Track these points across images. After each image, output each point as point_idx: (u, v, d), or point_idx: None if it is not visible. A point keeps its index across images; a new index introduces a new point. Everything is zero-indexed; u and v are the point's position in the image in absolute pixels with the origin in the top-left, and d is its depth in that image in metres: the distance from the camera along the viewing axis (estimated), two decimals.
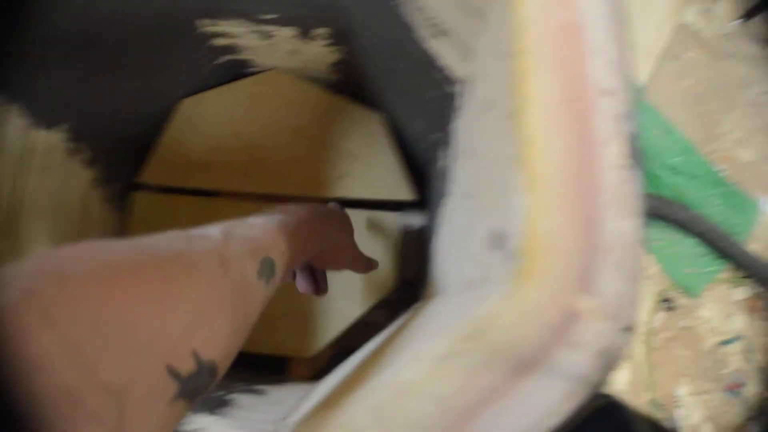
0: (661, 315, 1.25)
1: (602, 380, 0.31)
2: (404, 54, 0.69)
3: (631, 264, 0.33)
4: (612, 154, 0.34)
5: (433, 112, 0.74)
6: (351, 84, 1.00)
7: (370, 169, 0.91)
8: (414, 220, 0.97)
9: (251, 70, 0.99)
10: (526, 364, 0.31)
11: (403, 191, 0.90)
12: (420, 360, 0.33)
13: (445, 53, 0.59)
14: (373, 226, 0.90)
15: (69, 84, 0.74)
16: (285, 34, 0.86)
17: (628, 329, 0.32)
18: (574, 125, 0.35)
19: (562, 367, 0.31)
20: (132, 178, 0.95)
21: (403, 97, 0.81)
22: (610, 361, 0.32)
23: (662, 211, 1.24)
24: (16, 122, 0.67)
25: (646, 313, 1.29)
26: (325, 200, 0.91)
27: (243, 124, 0.94)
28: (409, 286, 0.99)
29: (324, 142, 0.92)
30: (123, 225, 0.92)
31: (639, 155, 0.34)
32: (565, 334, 0.32)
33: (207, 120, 0.94)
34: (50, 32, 0.68)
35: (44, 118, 0.71)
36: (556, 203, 0.33)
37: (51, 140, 0.73)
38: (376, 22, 0.69)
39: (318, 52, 0.90)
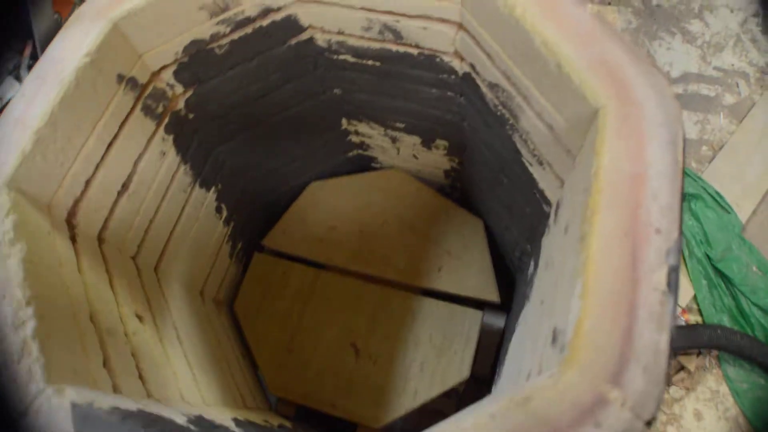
0: None
1: None
2: (510, 172, 0.81)
3: (658, 369, 0.41)
4: (655, 280, 0.43)
5: (528, 226, 0.84)
6: (458, 190, 1.13)
7: (464, 268, 1.02)
8: (495, 321, 1.06)
9: (375, 165, 1.16)
10: None
11: (490, 292, 0.99)
12: (477, 413, 0.42)
13: (544, 179, 0.70)
14: (458, 319, 0.99)
15: (227, 154, 0.92)
16: (409, 141, 1.01)
17: (648, 423, 0.40)
18: (628, 252, 0.44)
19: None
20: (257, 240, 1.12)
21: (504, 208, 0.92)
22: None
23: (748, 352, 1.23)
24: (183, 179, 0.85)
25: None
26: (421, 290, 1.03)
27: (360, 210, 1.08)
28: (479, 383, 1.06)
29: (428, 238, 1.05)
30: (242, 278, 1.08)
31: (676, 284, 0.43)
32: (593, 415, 0.40)
33: (330, 202, 1.10)
34: (223, 113, 0.87)
35: (203, 178, 0.89)
36: (603, 310, 0.43)
37: (204, 197, 0.90)
38: (491, 143, 0.82)
39: (435, 159, 1.04)
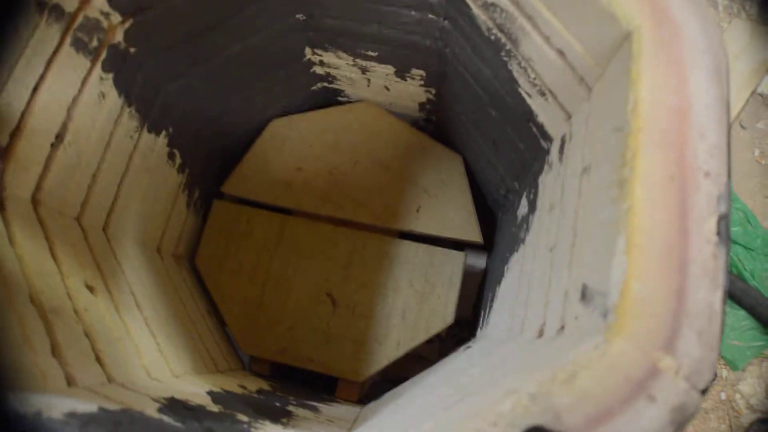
0: None
1: None
2: (500, 104, 0.73)
3: (713, 333, 0.35)
4: (706, 230, 0.37)
5: (519, 162, 0.77)
6: (434, 123, 1.05)
7: (444, 207, 0.95)
8: (476, 262, 1.01)
9: (342, 99, 1.05)
10: (607, 413, 0.34)
11: (472, 233, 0.93)
12: (514, 394, 0.36)
13: (544, 111, 0.63)
14: (439, 262, 0.93)
15: (177, 93, 0.81)
16: (382, 71, 0.91)
17: (703, 392, 0.35)
18: (675, 201, 0.38)
19: (638, 419, 0.34)
20: (215, 187, 1.02)
21: (488, 143, 0.85)
22: (682, 418, 0.34)
23: (738, 296, 1.24)
24: (128, 123, 0.73)
25: None
26: (398, 232, 0.96)
27: (328, 149, 0.99)
28: (460, 325, 1.02)
29: (403, 176, 0.97)
30: (201, 229, 0.99)
31: (728, 234, 0.37)
32: (646, 388, 0.34)
33: (294, 141, 1.00)
34: (171, 44, 0.75)
35: (152, 122, 0.78)
36: (652, 270, 0.36)
37: (153, 142, 0.80)
38: (478, 72, 0.74)
39: (409, 91, 0.95)
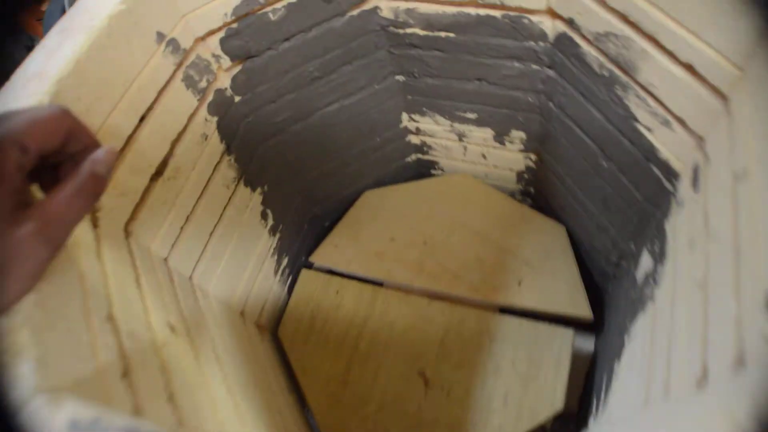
0: None
1: None
2: (614, 151, 0.67)
3: None
4: None
5: (636, 217, 0.69)
6: (531, 196, 0.99)
7: (548, 280, 0.86)
8: (583, 344, 0.89)
9: (435, 172, 1.03)
10: None
11: (582, 308, 0.83)
12: None
13: (669, 143, 0.56)
14: (544, 340, 0.83)
15: (274, 150, 0.81)
16: (480, 135, 0.88)
17: None
18: None
19: None
20: (304, 257, 0.98)
21: (598, 203, 0.78)
22: None
23: None
24: (227, 172, 0.73)
25: None
26: (498, 307, 0.87)
27: (423, 219, 0.95)
28: (563, 419, 0.88)
29: (503, 248, 0.90)
30: (286, 301, 0.94)
31: None
32: None
33: (387, 212, 0.97)
34: (274, 97, 0.76)
35: (249, 176, 0.77)
36: None
37: (249, 198, 0.78)
38: (588, 120, 0.69)
39: (507, 158, 0.91)
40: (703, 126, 0.51)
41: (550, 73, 0.71)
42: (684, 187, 0.55)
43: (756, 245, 0.37)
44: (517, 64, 0.73)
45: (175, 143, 0.62)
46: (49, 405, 0.32)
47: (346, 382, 0.85)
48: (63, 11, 1.02)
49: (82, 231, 0.48)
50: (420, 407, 0.81)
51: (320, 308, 0.91)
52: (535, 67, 0.72)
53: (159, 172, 0.61)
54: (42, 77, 0.47)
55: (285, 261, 0.93)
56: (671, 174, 0.58)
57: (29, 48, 1.68)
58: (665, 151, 0.58)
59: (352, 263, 0.93)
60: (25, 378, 0.33)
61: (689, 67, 0.49)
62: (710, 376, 0.40)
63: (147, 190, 0.59)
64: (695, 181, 0.52)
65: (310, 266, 0.96)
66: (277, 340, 0.91)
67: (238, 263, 0.80)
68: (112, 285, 0.48)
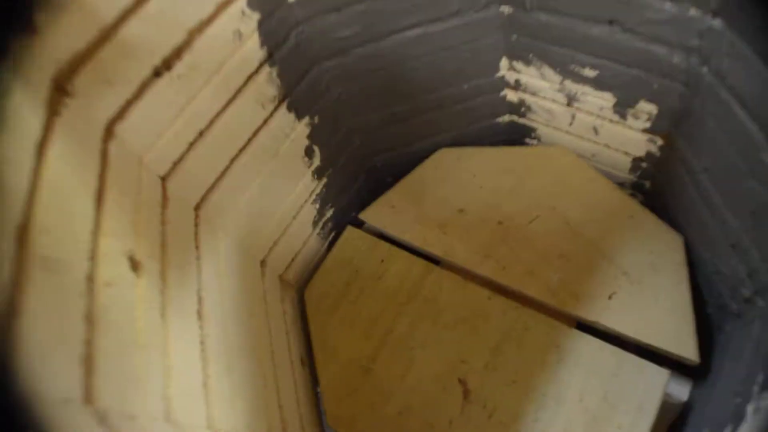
0: None
1: None
2: None
3: None
4: None
5: None
6: (647, 192, 0.78)
7: (649, 300, 0.66)
8: (677, 390, 0.69)
9: (530, 142, 0.83)
10: None
11: (687, 347, 0.63)
12: None
13: None
14: (628, 376, 0.64)
15: (334, 73, 0.65)
16: (596, 101, 0.68)
17: None
18: None
19: None
20: (353, 212, 0.83)
21: (744, 217, 0.57)
22: None
23: None
24: (264, 85, 0.58)
25: None
26: (576, 321, 0.69)
27: (503, 194, 0.77)
28: None
29: (597, 248, 0.71)
30: (323, 258, 0.80)
31: None
32: None
33: (462, 177, 0.79)
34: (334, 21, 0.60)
35: (294, 98, 0.62)
36: None
37: (291, 126, 0.63)
38: (758, 93, 0.48)
39: (627, 137, 0.70)
40: None
41: (715, 23, 0.50)
42: None
43: None
44: (668, 6, 0.52)
45: (194, 33, 0.48)
46: None
47: (369, 370, 0.69)
48: None
49: (26, 110, 0.35)
50: (452, 423, 0.65)
51: (359, 275, 0.76)
52: (694, 12, 0.51)
53: (167, 65, 0.47)
54: None
55: (329, 213, 0.78)
56: None
57: None
58: None
59: (407, 230, 0.77)
60: None
61: None
62: None
63: (145, 85, 0.45)
64: None
65: (358, 224, 0.81)
66: (302, 301, 0.77)
67: (268, 203, 0.66)
68: (46, 188, 0.35)
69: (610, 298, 0.67)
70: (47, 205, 0.34)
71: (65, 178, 0.37)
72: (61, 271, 0.34)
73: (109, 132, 0.44)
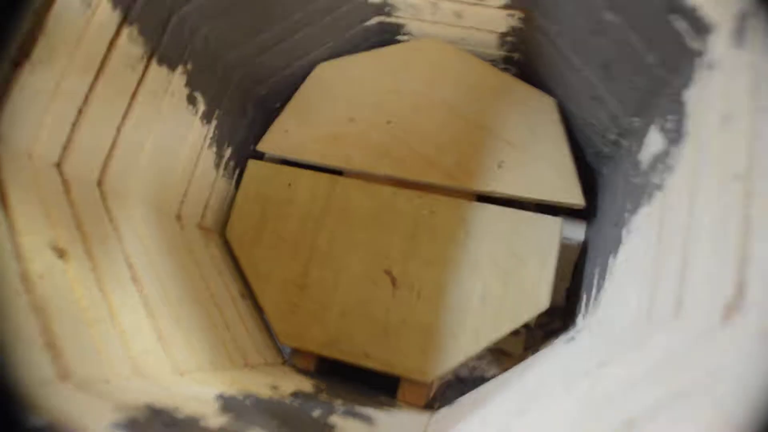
0: None
1: None
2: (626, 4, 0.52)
3: None
4: None
5: (645, 85, 0.56)
6: (517, 64, 0.84)
7: (534, 161, 0.74)
8: (573, 233, 0.79)
9: (402, 39, 0.86)
10: None
11: (573, 194, 0.72)
12: None
13: None
14: (528, 231, 0.73)
15: (197, 15, 0.65)
16: None
17: None
18: None
19: None
20: (251, 145, 0.85)
21: (598, 71, 0.64)
22: None
23: None
24: (128, 48, 0.58)
25: None
26: (475, 195, 0.76)
27: (386, 94, 0.80)
28: (549, 314, 0.81)
29: (480, 125, 0.77)
30: (234, 196, 0.82)
31: None
32: None
33: (344, 87, 0.82)
34: None
35: (163, 51, 0.62)
36: None
37: (167, 79, 0.64)
38: None
39: (488, 16, 0.75)
40: None
41: None
42: (720, 43, 0.41)
43: None
44: None
45: (43, 14, 0.47)
46: None
47: (304, 285, 0.75)
48: None
49: None
50: (387, 310, 0.72)
51: (271, 203, 0.79)
52: None
53: (25, 53, 0.46)
54: None
55: (228, 152, 0.79)
56: (701, 27, 0.44)
57: None
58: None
59: (305, 150, 0.80)
60: None
61: None
62: (747, 299, 0.30)
63: (9, 78, 0.45)
64: (740, 34, 0.39)
65: (258, 156, 0.83)
66: (226, 242, 0.80)
67: (166, 159, 0.66)
68: None
69: (499, 167, 0.75)
70: None
71: None
72: None
73: None
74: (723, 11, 0.41)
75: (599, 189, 0.78)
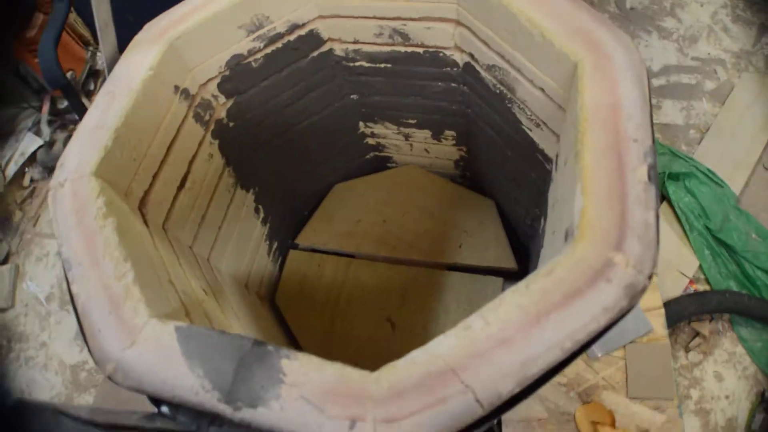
0: (760, 417, 1.28)
1: (627, 306, 0.49)
2: (513, 143, 0.92)
3: (650, 237, 0.51)
4: (638, 174, 0.54)
5: (535, 190, 0.95)
6: (468, 178, 1.25)
7: (482, 242, 1.12)
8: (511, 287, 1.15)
9: (390, 165, 1.27)
10: (577, 291, 0.50)
11: (507, 260, 1.09)
12: (515, 287, 0.52)
13: (542, 139, 0.82)
14: (481, 287, 1.09)
15: (261, 159, 1.04)
16: (421, 135, 1.13)
17: (648, 276, 0.50)
18: (614, 158, 0.55)
19: (600, 294, 0.49)
20: (289, 240, 1.23)
21: (511, 182, 1.03)
22: (633, 293, 0.49)
23: (757, 312, 1.30)
24: (227, 180, 0.96)
25: (745, 413, 1.31)
26: (445, 266, 1.13)
27: (382, 204, 1.20)
28: None
29: (446, 221, 1.16)
30: (278, 276, 1.19)
31: (656, 176, 0.54)
32: (604, 274, 0.50)
33: (354, 200, 1.22)
34: (258, 120, 0.99)
35: (243, 181, 1.01)
36: (601, 200, 0.53)
37: (244, 197, 1.02)
38: (493, 121, 0.94)
39: (445, 151, 1.16)
40: (558, 127, 0.76)
41: (465, 89, 0.96)
42: (554, 168, 0.80)
43: (565, 205, 0.62)
44: (440, 84, 0.97)
45: (191, 163, 0.85)
46: (159, 323, 0.56)
47: (332, 332, 1.09)
48: (56, 43, 1.21)
49: (142, 228, 0.72)
50: (389, 344, 1.07)
51: (307, 278, 1.15)
52: (453, 85, 0.97)
53: (182, 185, 0.84)
54: (103, 128, 0.69)
55: (275, 244, 1.17)
56: (548, 159, 0.83)
57: (16, 71, 1.84)
58: (541, 144, 0.83)
59: (328, 242, 1.18)
60: (140, 311, 0.56)
61: (542, 90, 0.74)
62: None
63: (175, 198, 0.82)
64: (556, 164, 0.78)
65: (296, 247, 1.21)
66: (275, 307, 1.15)
67: (241, 248, 1.03)
68: (167, 262, 0.72)
69: (460, 247, 1.13)
70: (170, 269, 0.72)
71: (167, 254, 0.74)
72: (187, 296, 0.71)
73: (165, 228, 0.81)
74: (552, 152, 0.81)
75: (529, 257, 1.15)
